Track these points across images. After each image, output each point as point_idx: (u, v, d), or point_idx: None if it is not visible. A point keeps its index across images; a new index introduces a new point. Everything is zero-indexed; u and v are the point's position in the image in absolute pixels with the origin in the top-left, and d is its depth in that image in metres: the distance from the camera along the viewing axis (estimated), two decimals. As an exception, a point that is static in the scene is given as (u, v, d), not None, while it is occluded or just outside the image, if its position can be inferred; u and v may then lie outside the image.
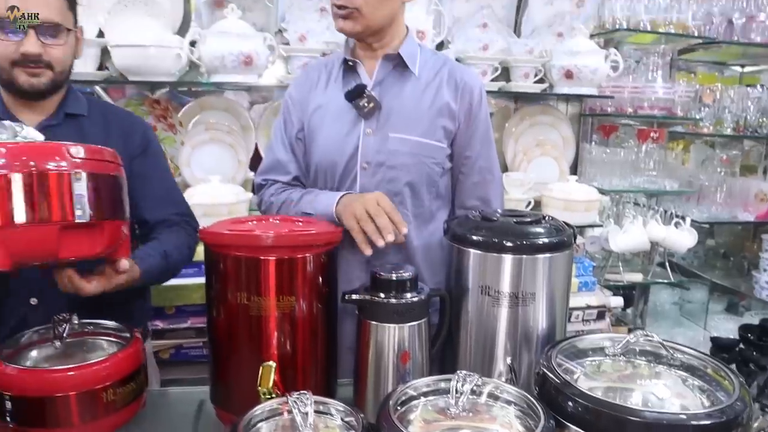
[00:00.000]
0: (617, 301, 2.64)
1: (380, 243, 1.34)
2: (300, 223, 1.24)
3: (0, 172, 0.97)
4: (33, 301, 1.40)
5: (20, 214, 0.99)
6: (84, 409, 1.09)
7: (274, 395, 1.11)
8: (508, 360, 1.22)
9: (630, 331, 2.80)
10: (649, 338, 1.07)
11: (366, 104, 1.45)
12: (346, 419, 0.97)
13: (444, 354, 1.31)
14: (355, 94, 1.45)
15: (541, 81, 2.53)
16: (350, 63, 1.52)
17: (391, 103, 1.49)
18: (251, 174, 2.44)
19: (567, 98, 2.80)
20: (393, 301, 1.17)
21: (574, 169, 2.83)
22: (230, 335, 1.16)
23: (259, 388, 1.11)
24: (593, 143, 2.92)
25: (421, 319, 1.19)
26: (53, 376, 1.08)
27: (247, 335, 1.14)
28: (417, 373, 1.20)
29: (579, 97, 2.75)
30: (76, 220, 1.04)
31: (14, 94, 1.38)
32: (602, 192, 2.65)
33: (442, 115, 1.50)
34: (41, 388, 1.07)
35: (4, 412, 1.06)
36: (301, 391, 0.95)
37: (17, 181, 0.98)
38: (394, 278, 1.18)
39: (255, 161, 2.46)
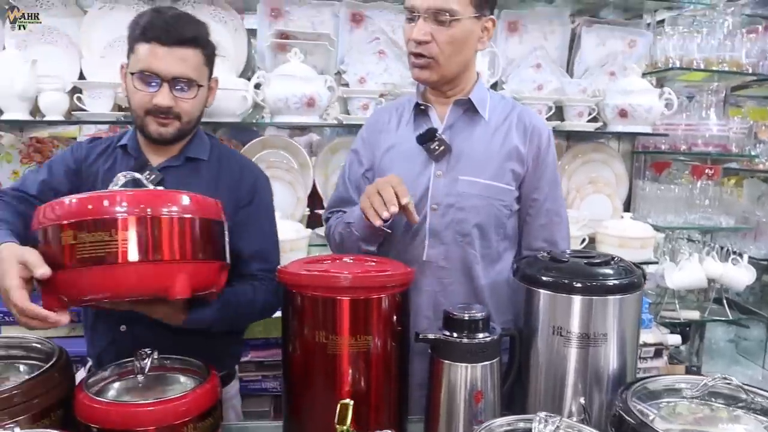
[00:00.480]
0: (675, 339, 2.60)
1: (385, 215, 1.35)
2: (373, 263, 1.28)
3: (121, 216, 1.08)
4: (122, 327, 1.49)
5: (136, 253, 1.09)
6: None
7: (351, 432, 1.14)
8: (582, 400, 1.23)
9: (688, 369, 2.77)
10: (728, 381, 1.07)
11: (437, 147, 1.49)
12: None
13: (513, 393, 1.33)
14: (426, 138, 1.50)
15: (594, 120, 2.55)
16: (422, 107, 1.57)
17: (461, 147, 1.53)
18: (307, 211, 2.51)
19: (619, 136, 2.81)
20: (466, 340, 1.19)
21: (627, 206, 2.82)
22: (306, 372, 1.19)
23: (337, 426, 1.14)
24: (646, 180, 2.91)
25: (493, 359, 1.21)
26: (137, 410, 1.12)
27: (322, 372, 1.18)
28: (489, 411, 1.22)
29: (632, 135, 2.76)
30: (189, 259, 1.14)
31: (145, 138, 1.49)
32: (657, 229, 2.63)
33: (511, 158, 1.54)
34: (126, 422, 1.11)
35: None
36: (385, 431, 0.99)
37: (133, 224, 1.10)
38: (466, 318, 1.21)
39: (311, 198, 2.53)
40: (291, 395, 1.24)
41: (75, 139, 2.55)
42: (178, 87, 1.41)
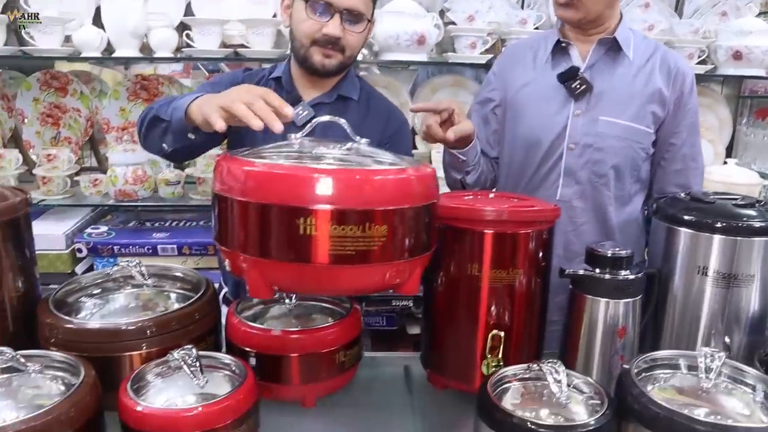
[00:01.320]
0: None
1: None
2: (515, 200, 1.29)
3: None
4: None
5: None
6: (321, 367, 1.20)
7: (500, 364, 1.18)
8: (726, 339, 1.23)
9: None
10: None
11: (579, 86, 1.48)
12: (590, 392, 1.02)
13: (643, 331, 1.34)
14: (568, 76, 1.49)
15: (702, 62, 2.46)
16: (563, 44, 1.55)
17: (602, 86, 1.52)
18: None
19: (723, 80, 2.71)
20: (613, 277, 1.20)
21: (728, 152, 2.74)
22: (450, 305, 1.22)
23: (488, 356, 1.18)
24: (750, 126, 2.81)
25: (637, 296, 1.22)
26: (289, 337, 1.19)
27: (466, 305, 1.20)
28: (628, 348, 1.24)
29: (738, 79, 2.65)
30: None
31: (304, 70, 1.50)
32: (763, 176, 2.56)
33: (653, 101, 1.51)
34: (278, 347, 1.18)
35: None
36: (551, 360, 1.01)
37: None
38: (609, 255, 1.22)
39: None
40: (434, 327, 1.27)
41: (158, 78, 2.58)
42: (349, 19, 1.42)
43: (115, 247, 2.27)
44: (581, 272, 1.22)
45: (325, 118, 1.10)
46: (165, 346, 1.12)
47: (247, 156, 1.00)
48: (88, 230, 2.34)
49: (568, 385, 1.00)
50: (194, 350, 1.03)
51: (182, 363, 1.01)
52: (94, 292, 1.30)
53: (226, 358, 1.09)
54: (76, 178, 2.39)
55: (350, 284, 1.02)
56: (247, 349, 1.19)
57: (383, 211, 0.95)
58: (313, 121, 1.09)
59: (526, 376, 1.08)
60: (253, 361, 1.18)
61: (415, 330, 2.53)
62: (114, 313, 1.28)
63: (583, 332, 1.24)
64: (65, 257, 2.23)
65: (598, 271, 1.22)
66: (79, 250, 2.27)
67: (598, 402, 1.00)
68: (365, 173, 0.98)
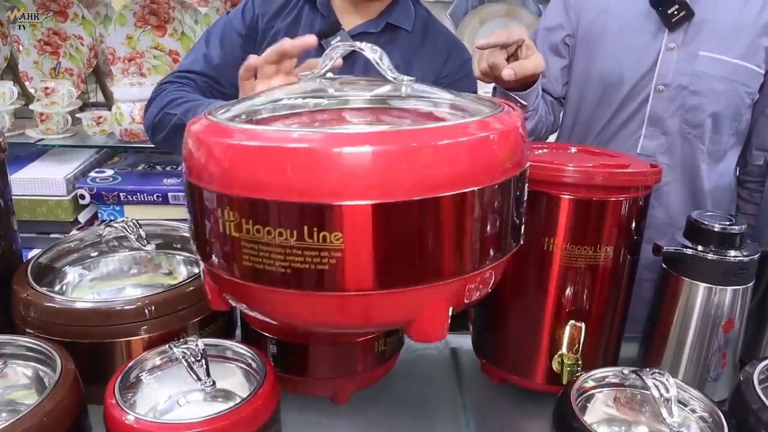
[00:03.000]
0: None
1: None
2: (604, 157, 1.04)
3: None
4: None
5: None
6: (356, 357, 0.99)
7: (579, 362, 0.95)
8: None
9: None
10: None
11: (676, 12, 1.20)
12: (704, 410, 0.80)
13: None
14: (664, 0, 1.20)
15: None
16: None
17: (704, 14, 1.24)
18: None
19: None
20: (721, 258, 0.96)
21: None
22: (515, 285, 0.99)
23: (566, 353, 0.96)
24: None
25: (748, 283, 0.99)
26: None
27: (535, 287, 0.97)
28: (732, 346, 1.01)
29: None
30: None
31: None
32: None
33: (767, 33, 1.23)
34: (310, 333, 0.96)
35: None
36: (657, 371, 0.79)
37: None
38: (717, 229, 0.97)
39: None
40: (492, 311, 1.04)
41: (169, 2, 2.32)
42: None
43: (121, 194, 2.06)
44: (681, 251, 0.98)
45: (342, 48, 0.77)
46: (169, 329, 0.93)
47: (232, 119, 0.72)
48: (92, 174, 2.13)
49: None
50: (199, 343, 0.82)
51: (184, 361, 0.79)
52: (83, 257, 1.08)
53: (241, 348, 0.88)
54: (78, 116, 2.16)
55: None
56: (267, 334, 0.97)
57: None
58: (328, 57, 0.78)
59: (616, 381, 0.87)
60: (273, 349, 0.96)
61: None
62: (107, 282, 1.08)
63: (675, 322, 1.02)
64: (66, 204, 2.02)
65: (701, 248, 0.98)
66: (82, 197, 2.06)
67: (712, 425, 0.78)
68: (422, 134, 0.63)
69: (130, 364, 0.83)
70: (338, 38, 1.20)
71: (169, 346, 0.81)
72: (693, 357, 1.01)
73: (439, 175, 0.61)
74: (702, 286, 0.98)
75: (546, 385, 0.99)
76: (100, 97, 2.52)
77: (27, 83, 2.28)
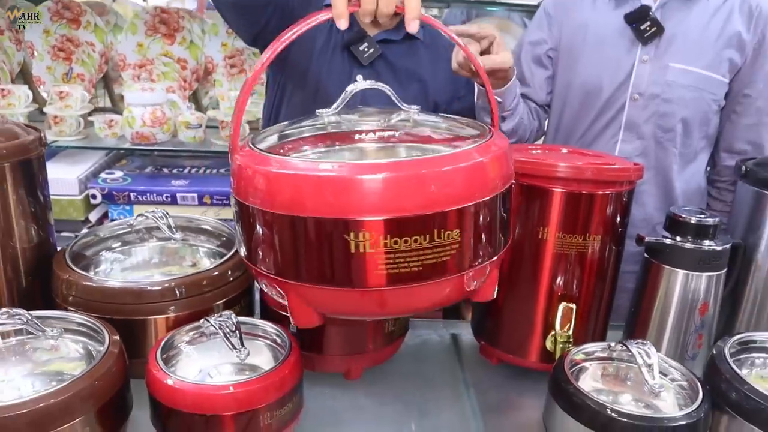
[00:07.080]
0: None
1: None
2: (590, 156, 1.15)
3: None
4: None
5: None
6: (368, 337, 1.08)
7: (570, 340, 1.05)
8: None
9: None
10: None
11: (648, 28, 1.31)
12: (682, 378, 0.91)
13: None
14: (636, 16, 1.32)
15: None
16: None
17: (674, 29, 1.35)
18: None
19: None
20: (697, 247, 1.07)
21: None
22: (511, 271, 1.09)
23: (558, 330, 1.06)
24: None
25: (721, 270, 1.09)
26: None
27: (530, 273, 1.08)
28: (707, 327, 1.11)
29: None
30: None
31: None
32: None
33: (730, 45, 1.35)
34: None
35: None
36: (641, 340, 0.89)
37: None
38: (693, 221, 1.08)
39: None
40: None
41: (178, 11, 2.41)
42: None
43: (131, 194, 2.14)
44: (662, 240, 1.09)
45: (362, 84, 0.91)
46: (195, 309, 1.01)
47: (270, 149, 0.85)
48: (103, 175, 2.21)
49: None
50: (233, 316, 0.91)
51: (220, 332, 0.88)
52: (115, 245, 1.17)
53: (267, 325, 0.98)
54: (89, 119, 2.25)
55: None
56: (286, 314, 1.06)
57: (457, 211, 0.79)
58: (351, 88, 0.91)
59: (605, 355, 0.97)
60: (293, 329, 1.05)
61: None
62: (137, 270, 1.17)
63: (656, 306, 1.12)
64: (78, 203, 2.10)
65: (679, 239, 1.09)
66: (93, 196, 2.14)
67: (689, 390, 0.88)
68: (430, 163, 0.78)
69: (167, 337, 0.92)
70: (365, 44, 1.30)
71: (206, 319, 0.90)
72: (673, 337, 1.12)
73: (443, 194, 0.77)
74: (680, 273, 1.09)
75: (540, 363, 1.10)
76: (107, 102, 2.60)
77: (40, 87, 2.35)
